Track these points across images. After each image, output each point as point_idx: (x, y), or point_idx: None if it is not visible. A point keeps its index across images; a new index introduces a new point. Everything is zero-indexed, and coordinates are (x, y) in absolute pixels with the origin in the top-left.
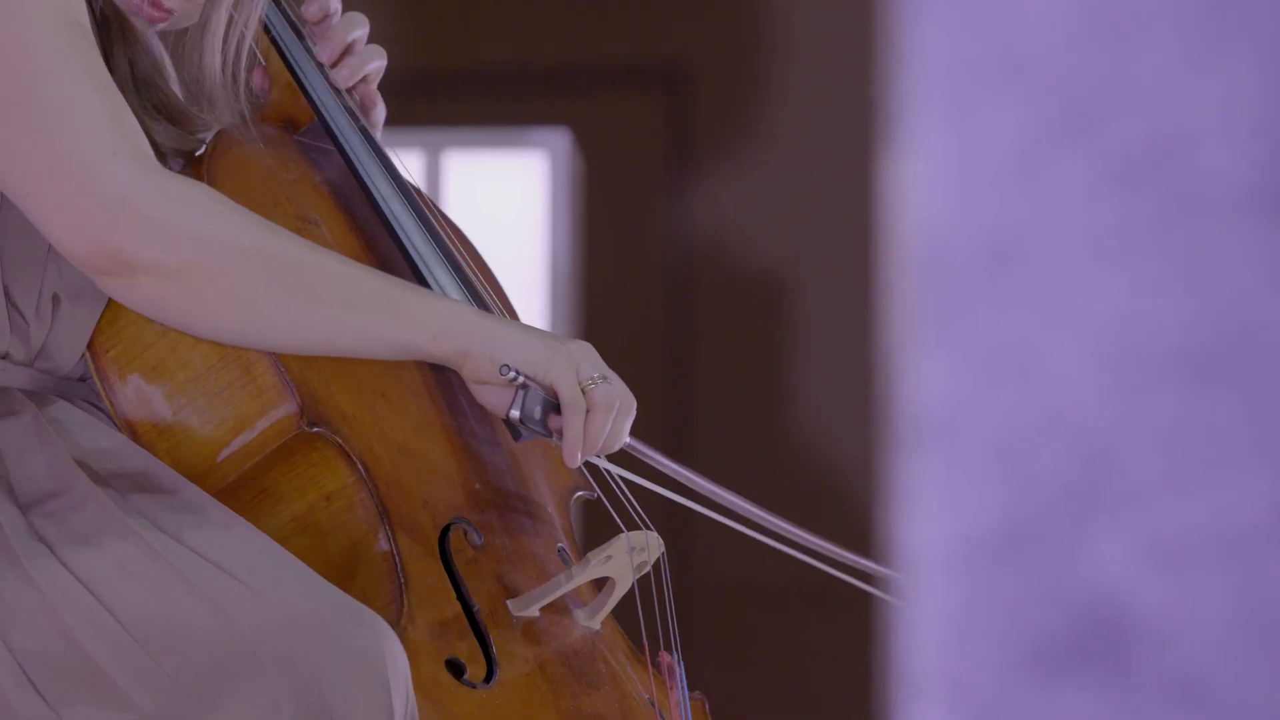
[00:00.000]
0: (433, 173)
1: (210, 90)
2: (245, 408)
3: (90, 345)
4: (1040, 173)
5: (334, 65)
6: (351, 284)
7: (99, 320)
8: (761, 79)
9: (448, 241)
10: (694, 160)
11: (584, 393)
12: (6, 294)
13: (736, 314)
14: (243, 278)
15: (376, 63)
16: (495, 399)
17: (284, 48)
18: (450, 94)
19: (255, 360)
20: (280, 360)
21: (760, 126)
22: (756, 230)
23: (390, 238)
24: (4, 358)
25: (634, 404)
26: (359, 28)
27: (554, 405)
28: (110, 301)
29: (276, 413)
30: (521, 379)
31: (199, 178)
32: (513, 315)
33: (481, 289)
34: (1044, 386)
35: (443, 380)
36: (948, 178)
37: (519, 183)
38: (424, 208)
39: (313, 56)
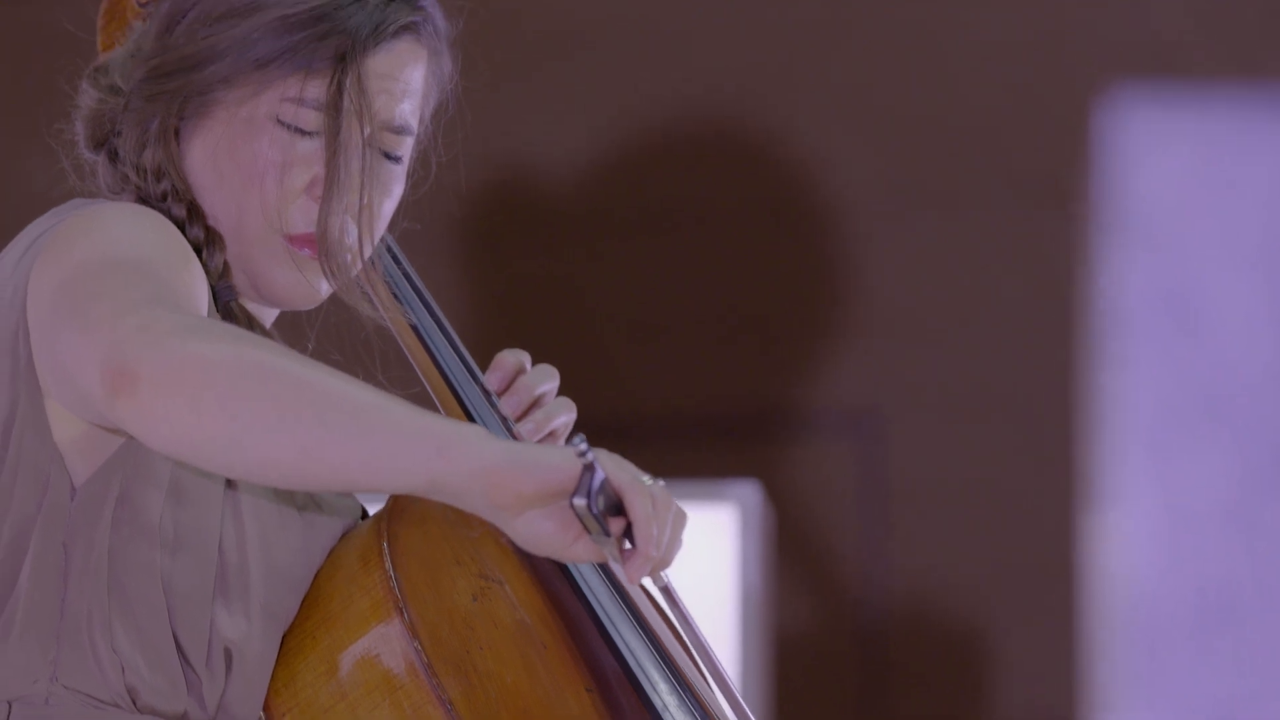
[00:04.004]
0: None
1: None
2: None
3: (266, 708)
4: (1250, 523)
5: (519, 419)
6: (345, 398)
7: (273, 682)
8: (956, 426)
9: (633, 598)
10: (888, 511)
11: None
12: (176, 643)
13: (934, 671)
14: (236, 390)
15: (564, 417)
16: (538, 526)
17: (464, 398)
18: (635, 445)
19: None
20: (458, 717)
21: (956, 475)
22: (954, 584)
23: (576, 596)
24: (182, 718)
25: (686, 514)
26: (548, 381)
27: (614, 505)
28: (283, 660)
29: None
30: (591, 457)
31: (379, 532)
32: (713, 678)
33: (669, 645)
34: None
35: None
36: (1153, 528)
37: (708, 538)
38: (610, 568)
39: (496, 409)
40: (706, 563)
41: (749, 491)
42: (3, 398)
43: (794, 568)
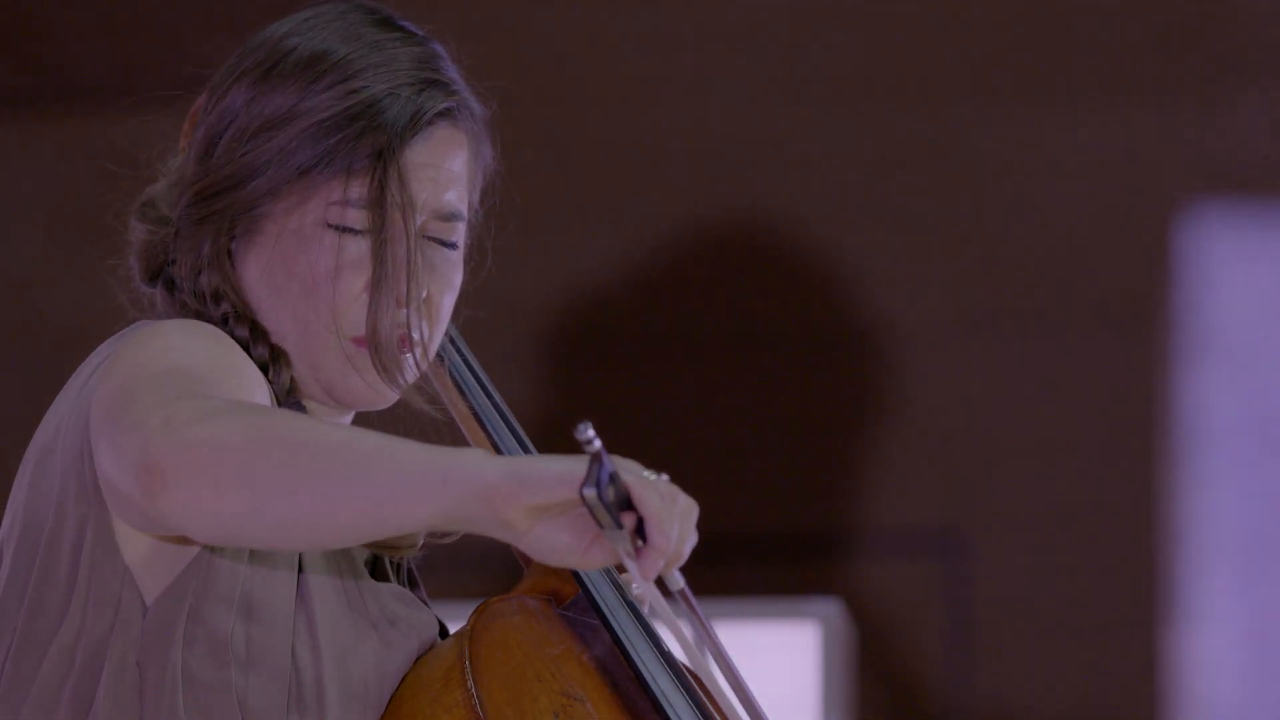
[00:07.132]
0: (697, 645)
1: None
2: None
3: None
4: None
5: None
6: (347, 448)
7: None
8: (1040, 544)
9: (713, 714)
10: (970, 630)
11: None
12: None
13: None
14: (247, 462)
15: None
16: (553, 538)
17: None
18: (715, 563)
19: None
20: None
21: (1040, 594)
22: (1037, 702)
23: (657, 713)
24: None
25: (696, 505)
26: None
27: (624, 499)
28: None
29: None
30: (599, 445)
31: (461, 651)
32: None
33: None
34: None
35: None
36: (1238, 648)
37: (789, 656)
38: (693, 686)
39: None
40: (788, 681)
41: (830, 609)
42: (72, 520)
43: (876, 685)
